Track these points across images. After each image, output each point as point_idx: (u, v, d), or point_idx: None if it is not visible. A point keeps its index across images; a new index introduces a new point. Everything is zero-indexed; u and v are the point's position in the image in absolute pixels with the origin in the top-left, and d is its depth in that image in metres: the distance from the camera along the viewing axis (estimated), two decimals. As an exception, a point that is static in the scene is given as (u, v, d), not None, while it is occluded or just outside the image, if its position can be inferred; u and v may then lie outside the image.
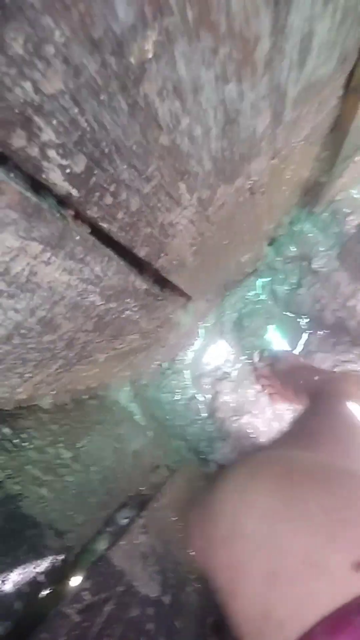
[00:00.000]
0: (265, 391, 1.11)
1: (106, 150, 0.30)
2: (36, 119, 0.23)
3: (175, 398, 1.18)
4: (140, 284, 0.50)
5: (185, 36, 0.27)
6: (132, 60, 0.25)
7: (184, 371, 1.18)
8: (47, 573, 0.45)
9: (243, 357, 1.15)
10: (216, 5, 0.26)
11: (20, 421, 0.58)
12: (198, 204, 0.49)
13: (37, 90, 0.21)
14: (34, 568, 0.43)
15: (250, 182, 0.54)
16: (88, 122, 0.26)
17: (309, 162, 0.77)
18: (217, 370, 1.16)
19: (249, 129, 0.43)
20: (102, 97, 0.25)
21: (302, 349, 1.11)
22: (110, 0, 0.21)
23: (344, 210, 1.06)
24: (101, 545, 0.57)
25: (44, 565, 0.44)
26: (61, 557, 0.47)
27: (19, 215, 0.25)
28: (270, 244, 1.07)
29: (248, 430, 1.12)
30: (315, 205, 1.00)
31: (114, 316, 0.51)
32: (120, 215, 0.38)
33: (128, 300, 0.50)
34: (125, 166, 0.33)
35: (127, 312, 0.53)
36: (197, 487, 0.95)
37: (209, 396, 1.16)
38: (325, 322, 1.05)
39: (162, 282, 0.65)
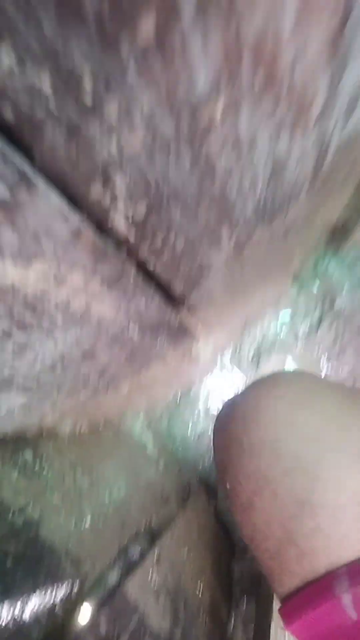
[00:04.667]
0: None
1: (165, 200, 0.31)
2: (114, 173, 0.24)
3: (188, 430, 1.18)
4: (174, 319, 0.51)
5: (251, 100, 0.28)
6: (202, 122, 0.27)
7: (199, 403, 1.18)
8: (64, 602, 0.45)
9: (259, 392, 1.14)
10: (281, 74, 0.28)
11: (41, 447, 0.59)
12: (235, 245, 0.50)
13: (120, 150, 0.23)
14: (52, 597, 0.43)
15: (285, 225, 0.56)
16: (155, 176, 0.28)
17: (339, 208, 0.79)
18: (232, 403, 1.16)
19: (292, 178, 0.45)
20: (171, 155, 0.27)
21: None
22: (193, 72, 0.22)
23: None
24: (114, 577, 0.57)
25: (60, 593, 0.44)
26: (77, 586, 0.47)
27: (89, 258, 0.26)
28: (294, 282, 1.08)
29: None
30: (340, 247, 1.02)
31: (145, 349, 0.52)
32: (166, 256, 0.39)
33: (161, 334, 0.51)
34: (178, 213, 0.34)
35: (158, 346, 0.54)
36: (207, 522, 0.94)
37: (222, 429, 1.15)
38: (344, 361, 1.05)
39: (192, 315, 0.66)
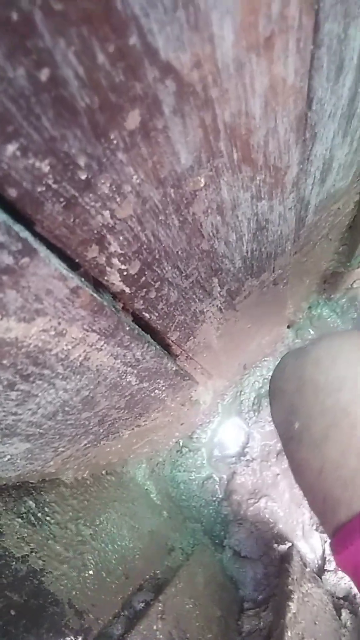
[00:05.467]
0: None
1: (157, 256, 0.34)
2: (108, 236, 0.27)
3: (191, 477, 1.17)
4: (172, 365, 0.53)
5: (230, 170, 0.32)
6: (187, 190, 0.30)
7: (201, 449, 1.18)
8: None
9: (260, 437, 1.14)
10: (256, 148, 0.32)
11: (44, 495, 0.59)
12: (227, 294, 0.53)
13: (112, 216, 0.26)
14: (54, 652, 0.43)
15: (274, 275, 0.59)
16: (146, 237, 0.31)
17: (329, 255, 0.83)
18: (235, 449, 1.16)
19: (277, 233, 0.48)
20: (160, 218, 0.30)
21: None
22: (176, 151, 0.26)
23: (358, 301, 1.11)
24: (118, 629, 0.55)
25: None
26: (80, 638, 0.46)
27: (87, 312, 0.29)
28: (289, 327, 1.11)
29: (266, 515, 1.09)
30: (333, 292, 1.05)
31: (144, 395, 0.54)
32: (160, 306, 0.42)
33: (159, 380, 0.53)
34: (170, 267, 0.37)
35: (157, 391, 0.56)
36: (214, 574, 0.91)
37: (225, 477, 1.14)
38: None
39: (189, 361, 0.68)
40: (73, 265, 0.27)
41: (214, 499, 1.14)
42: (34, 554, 0.49)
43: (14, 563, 0.45)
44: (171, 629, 0.59)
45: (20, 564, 0.46)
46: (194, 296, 0.47)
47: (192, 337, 0.56)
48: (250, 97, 0.27)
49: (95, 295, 0.29)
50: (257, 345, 0.97)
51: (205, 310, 0.53)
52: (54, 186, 0.22)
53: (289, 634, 0.70)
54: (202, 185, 0.31)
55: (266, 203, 0.40)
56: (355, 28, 0.32)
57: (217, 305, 0.54)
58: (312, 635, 0.75)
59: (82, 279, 0.28)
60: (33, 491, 0.58)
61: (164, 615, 0.59)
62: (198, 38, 0.21)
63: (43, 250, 0.24)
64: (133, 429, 0.65)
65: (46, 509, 0.58)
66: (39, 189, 0.22)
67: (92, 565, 0.57)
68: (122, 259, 0.31)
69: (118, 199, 0.26)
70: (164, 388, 0.57)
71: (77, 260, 0.27)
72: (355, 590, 0.96)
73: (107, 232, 0.27)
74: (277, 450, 1.13)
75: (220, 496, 1.14)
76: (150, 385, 0.52)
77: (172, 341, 0.53)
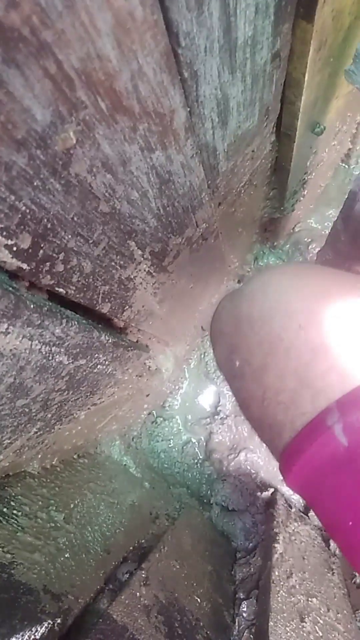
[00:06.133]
0: None
1: (49, 226, 0.33)
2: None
3: (170, 445, 1.18)
4: (107, 338, 0.52)
5: (103, 122, 0.30)
6: (58, 149, 0.28)
7: (175, 416, 1.19)
8: (45, 639, 0.44)
9: (230, 394, 1.16)
10: (125, 94, 0.30)
11: (8, 490, 0.58)
12: (152, 256, 0.52)
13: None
14: (31, 636, 0.43)
15: (200, 230, 0.58)
16: (26, 206, 0.29)
17: (260, 202, 0.82)
18: (208, 410, 1.17)
19: (186, 184, 0.47)
20: (35, 183, 0.29)
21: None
22: (26, 108, 0.24)
23: (305, 239, 1.11)
24: (103, 604, 0.56)
25: (41, 631, 0.44)
26: (58, 620, 0.46)
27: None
28: (240, 282, 1.11)
29: (247, 467, 1.11)
30: (276, 239, 1.05)
31: (85, 372, 0.53)
32: (75, 278, 0.40)
33: (97, 355, 0.52)
34: (70, 236, 0.36)
35: (99, 367, 0.55)
36: (203, 532, 0.94)
37: (203, 438, 1.16)
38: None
39: (139, 332, 0.68)
40: None
41: (196, 461, 1.16)
42: (0, 549, 0.48)
43: (-24, 562, 0.44)
44: (157, 592, 0.60)
45: (-15, 561, 0.45)
46: (113, 263, 0.45)
47: (127, 307, 0.55)
48: (97, 38, 0.25)
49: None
50: (209, 304, 0.96)
51: (132, 276, 0.51)
52: None
53: (277, 573, 0.73)
54: (73, 142, 0.29)
55: (161, 154, 0.39)
56: None
57: (145, 270, 0.53)
58: (301, 570, 0.79)
59: None
60: (-5, 488, 0.57)
61: (148, 582, 0.60)
62: (2, -28, 0.19)
63: None
64: (89, 408, 0.64)
65: (12, 503, 0.57)
66: None
67: (67, 549, 0.57)
68: (4, 233, 0.29)
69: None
70: (107, 362, 0.57)
71: None
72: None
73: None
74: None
75: (201, 457, 1.16)
76: (89, 361, 0.51)
77: (107, 313, 0.51)
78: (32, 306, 0.34)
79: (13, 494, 0.58)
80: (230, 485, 1.11)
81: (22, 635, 0.43)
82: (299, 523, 0.95)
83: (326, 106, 0.71)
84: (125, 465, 1.02)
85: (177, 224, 0.51)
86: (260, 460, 1.12)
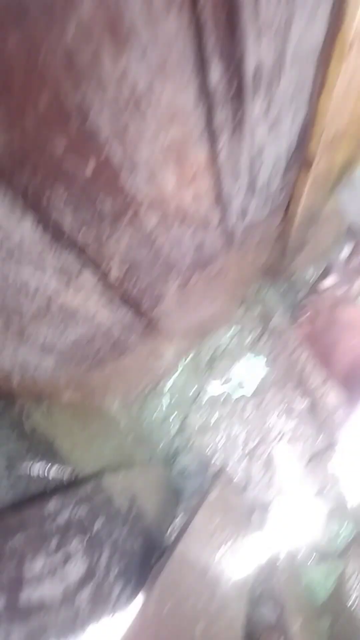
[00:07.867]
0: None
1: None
2: None
3: (153, 417, 1.48)
4: (143, 323, 0.82)
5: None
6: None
7: (162, 397, 1.49)
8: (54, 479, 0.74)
9: (211, 388, 1.46)
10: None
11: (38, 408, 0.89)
12: (179, 284, 0.82)
13: None
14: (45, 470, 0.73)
15: (217, 271, 0.88)
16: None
17: (266, 254, 1.12)
18: (190, 396, 1.47)
19: (212, 251, 0.77)
20: None
21: (258, 385, 1.43)
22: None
23: (297, 287, 1.42)
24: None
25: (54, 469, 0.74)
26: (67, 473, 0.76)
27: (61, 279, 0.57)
28: (241, 305, 1.41)
29: (208, 446, 1.42)
30: (275, 280, 1.35)
31: (122, 340, 0.83)
32: (137, 288, 0.70)
33: (134, 331, 0.82)
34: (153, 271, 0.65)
35: (132, 338, 0.85)
36: (160, 480, 1.24)
37: (180, 417, 1.46)
38: (278, 365, 1.38)
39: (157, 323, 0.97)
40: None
41: (170, 434, 1.47)
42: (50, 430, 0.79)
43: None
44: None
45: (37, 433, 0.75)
46: (158, 283, 0.75)
47: (157, 307, 0.85)
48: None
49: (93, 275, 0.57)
50: (214, 319, 1.26)
51: (164, 293, 0.81)
52: None
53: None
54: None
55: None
56: None
57: (174, 289, 0.83)
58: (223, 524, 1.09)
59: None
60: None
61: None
62: None
63: None
64: (111, 366, 0.94)
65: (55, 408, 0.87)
66: None
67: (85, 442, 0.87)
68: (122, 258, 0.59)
69: None
70: (137, 338, 0.87)
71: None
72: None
73: None
74: (220, 402, 1.46)
75: (174, 432, 1.47)
76: (127, 334, 0.81)
77: (145, 308, 0.81)
78: (118, 302, 0.65)
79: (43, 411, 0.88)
80: (189, 458, 1.41)
81: (39, 466, 0.73)
82: (232, 493, 1.25)
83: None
84: (118, 420, 1.32)
85: (203, 265, 0.81)
86: (220, 444, 1.42)
